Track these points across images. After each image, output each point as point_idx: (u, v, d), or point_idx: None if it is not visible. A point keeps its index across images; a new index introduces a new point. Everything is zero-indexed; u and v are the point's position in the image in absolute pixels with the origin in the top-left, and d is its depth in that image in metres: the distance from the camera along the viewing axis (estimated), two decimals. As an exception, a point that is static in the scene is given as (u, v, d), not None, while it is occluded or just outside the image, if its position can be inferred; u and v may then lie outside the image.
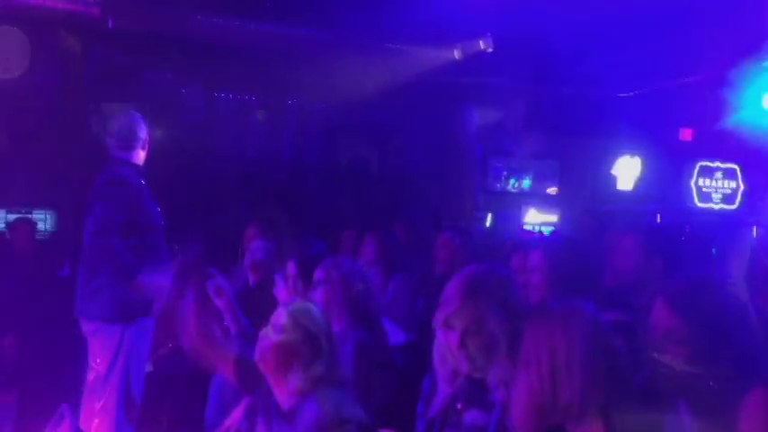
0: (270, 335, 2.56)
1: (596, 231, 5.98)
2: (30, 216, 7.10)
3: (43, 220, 7.40)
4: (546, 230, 9.23)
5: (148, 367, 5.25)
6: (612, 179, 10.08)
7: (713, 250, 5.61)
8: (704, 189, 10.47)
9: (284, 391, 2.51)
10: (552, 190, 9.97)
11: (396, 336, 3.89)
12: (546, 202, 9.92)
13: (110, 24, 6.38)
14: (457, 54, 7.57)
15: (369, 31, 7.17)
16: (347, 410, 2.43)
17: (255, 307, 4.01)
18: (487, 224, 9.33)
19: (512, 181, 9.80)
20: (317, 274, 3.22)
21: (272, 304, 3.11)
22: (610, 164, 10.08)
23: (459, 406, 2.15)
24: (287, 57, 7.41)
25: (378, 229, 5.27)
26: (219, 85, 8.23)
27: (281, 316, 2.58)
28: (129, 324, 3.99)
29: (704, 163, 10.44)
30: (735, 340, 1.94)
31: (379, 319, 3.26)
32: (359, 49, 7.33)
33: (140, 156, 4.30)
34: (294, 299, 3.32)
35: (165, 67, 7.47)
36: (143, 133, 4.30)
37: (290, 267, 3.86)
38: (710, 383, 1.90)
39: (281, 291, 3.72)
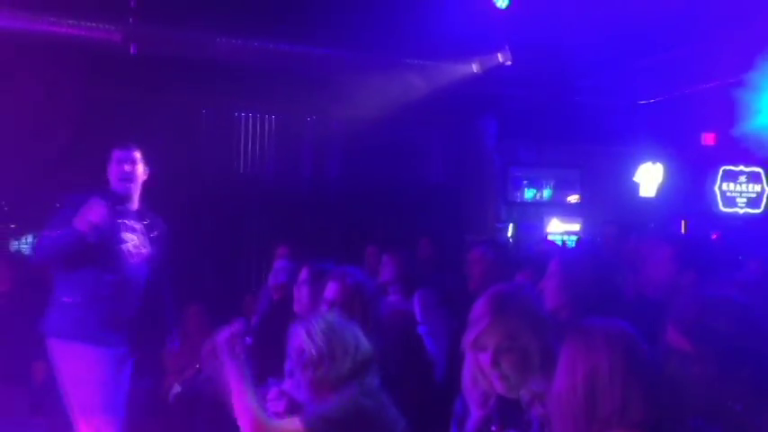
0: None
1: (620, 241, 5.92)
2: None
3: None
4: (569, 240, 9.18)
5: (176, 388, 5.30)
6: (635, 186, 10.00)
7: (740, 257, 5.55)
8: (728, 193, 10.35)
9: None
10: (574, 198, 9.91)
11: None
12: (568, 211, 9.86)
13: (131, 50, 6.46)
14: (475, 67, 7.57)
15: (387, 47, 7.20)
16: (364, 399, 2.47)
17: (277, 323, 4.07)
18: (509, 235, 9.30)
19: (532, 191, 9.76)
20: (330, 283, 3.24)
21: (293, 320, 3.16)
22: (632, 171, 10.01)
23: (493, 428, 2.13)
24: (306, 75, 7.46)
25: (400, 244, 5.26)
26: (239, 104, 8.29)
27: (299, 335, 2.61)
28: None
29: (727, 167, 10.33)
30: (749, 358, 1.91)
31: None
32: (377, 65, 7.36)
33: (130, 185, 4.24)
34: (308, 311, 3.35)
35: (186, 89, 7.53)
36: (132, 163, 4.22)
37: (302, 273, 3.90)
38: (732, 405, 1.87)
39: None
